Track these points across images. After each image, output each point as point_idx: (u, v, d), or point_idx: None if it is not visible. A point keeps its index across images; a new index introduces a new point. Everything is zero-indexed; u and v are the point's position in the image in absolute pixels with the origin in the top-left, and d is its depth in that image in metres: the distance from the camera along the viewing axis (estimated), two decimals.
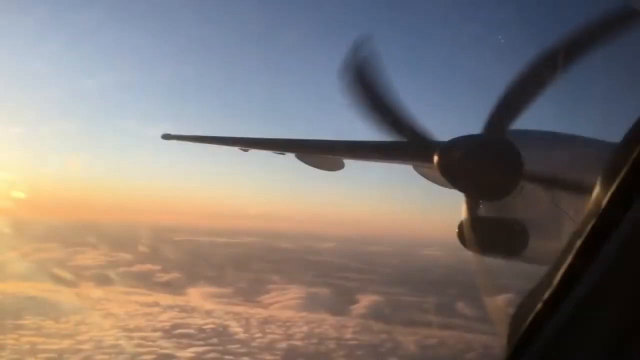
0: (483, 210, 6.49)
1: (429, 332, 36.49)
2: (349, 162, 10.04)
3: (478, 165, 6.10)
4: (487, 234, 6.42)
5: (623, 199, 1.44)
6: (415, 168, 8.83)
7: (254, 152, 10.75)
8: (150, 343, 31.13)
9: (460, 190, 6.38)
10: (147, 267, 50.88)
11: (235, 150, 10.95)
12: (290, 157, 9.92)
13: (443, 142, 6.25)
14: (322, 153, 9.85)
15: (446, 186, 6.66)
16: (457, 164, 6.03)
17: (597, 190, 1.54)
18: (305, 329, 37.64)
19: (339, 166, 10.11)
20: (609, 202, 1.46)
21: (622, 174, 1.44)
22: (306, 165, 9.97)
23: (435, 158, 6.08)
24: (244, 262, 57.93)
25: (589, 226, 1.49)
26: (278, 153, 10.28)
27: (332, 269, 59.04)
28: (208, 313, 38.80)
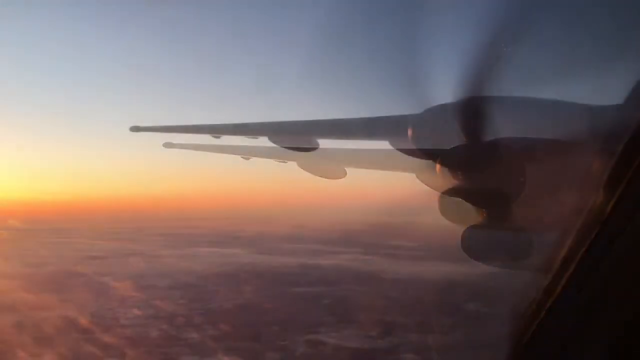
0: (487, 215, 6.45)
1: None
2: (351, 170, 9.98)
3: (480, 170, 6.06)
4: (491, 242, 6.39)
5: (626, 207, 1.42)
6: (418, 176, 8.74)
7: (255, 160, 10.66)
8: None
9: (461, 197, 6.35)
10: None
11: (237, 158, 10.85)
12: (292, 164, 9.82)
13: (445, 149, 6.22)
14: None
15: (450, 194, 6.61)
16: (457, 169, 5.99)
17: (599, 197, 1.53)
18: None
19: (341, 174, 10.05)
20: (611, 209, 1.45)
21: (624, 181, 1.43)
22: (308, 173, 9.91)
23: (437, 165, 6.06)
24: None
25: (592, 234, 1.47)
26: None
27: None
28: None
